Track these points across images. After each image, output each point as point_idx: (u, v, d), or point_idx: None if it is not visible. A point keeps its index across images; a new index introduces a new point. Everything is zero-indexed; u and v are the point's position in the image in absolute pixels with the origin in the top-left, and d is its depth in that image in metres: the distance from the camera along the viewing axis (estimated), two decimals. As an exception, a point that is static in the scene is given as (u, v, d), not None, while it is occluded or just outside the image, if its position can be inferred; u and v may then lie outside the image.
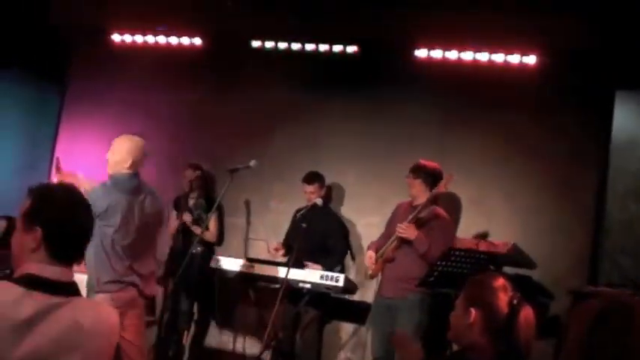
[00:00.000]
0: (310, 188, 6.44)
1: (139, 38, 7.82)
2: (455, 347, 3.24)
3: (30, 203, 2.18)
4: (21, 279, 2.10)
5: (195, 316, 6.92)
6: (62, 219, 2.16)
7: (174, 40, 7.70)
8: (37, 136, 8.19)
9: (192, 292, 6.64)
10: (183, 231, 6.69)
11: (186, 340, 6.84)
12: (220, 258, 6.36)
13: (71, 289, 2.17)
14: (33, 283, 2.08)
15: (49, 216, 2.15)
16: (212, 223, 6.85)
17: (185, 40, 7.67)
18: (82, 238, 2.23)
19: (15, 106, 7.91)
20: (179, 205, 6.91)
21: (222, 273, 6.29)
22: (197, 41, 7.62)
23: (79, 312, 2.12)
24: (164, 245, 7.01)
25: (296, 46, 7.17)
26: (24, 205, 2.19)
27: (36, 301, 2.05)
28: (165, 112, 7.69)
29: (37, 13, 7.59)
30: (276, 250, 6.47)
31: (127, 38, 7.87)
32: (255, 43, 7.25)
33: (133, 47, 7.86)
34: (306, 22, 6.95)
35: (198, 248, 6.48)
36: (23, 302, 2.03)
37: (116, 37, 7.88)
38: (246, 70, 7.40)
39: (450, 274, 5.30)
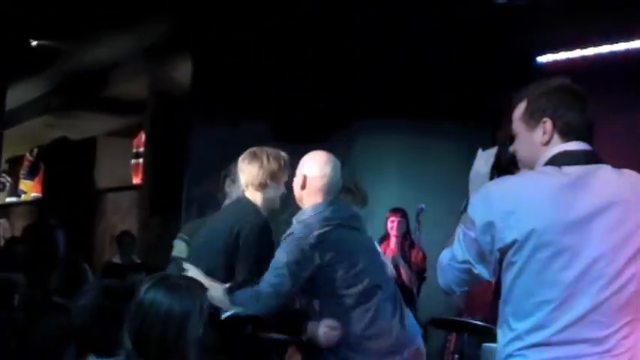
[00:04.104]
0: None
1: (561, 55, 7.24)
2: None
3: (525, 105, 2.31)
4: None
5: None
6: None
7: (605, 48, 6.86)
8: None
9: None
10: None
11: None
12: None
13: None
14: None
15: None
16: None
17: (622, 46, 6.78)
18: None
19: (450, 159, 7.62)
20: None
21: None
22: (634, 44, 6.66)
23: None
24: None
25: None
26: (519, 110, 2.31)
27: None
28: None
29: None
30: None
31: (550, 58, 7.34)
32: None
33: (556, 65, 7.24)
34: None
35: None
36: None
37: (542, 59, 7.41)
38: None
39: None
